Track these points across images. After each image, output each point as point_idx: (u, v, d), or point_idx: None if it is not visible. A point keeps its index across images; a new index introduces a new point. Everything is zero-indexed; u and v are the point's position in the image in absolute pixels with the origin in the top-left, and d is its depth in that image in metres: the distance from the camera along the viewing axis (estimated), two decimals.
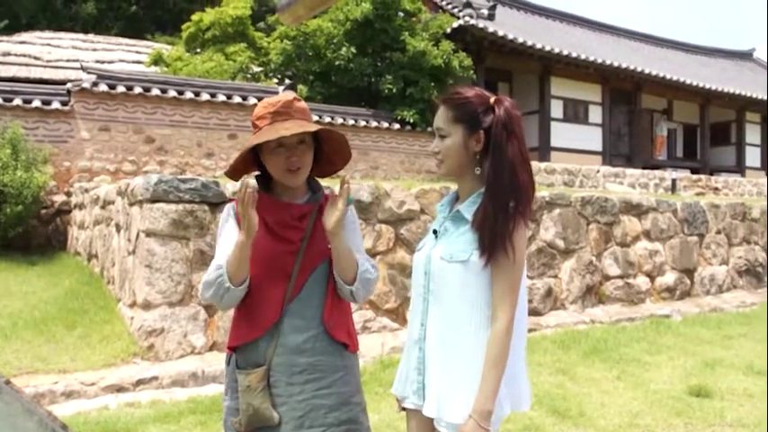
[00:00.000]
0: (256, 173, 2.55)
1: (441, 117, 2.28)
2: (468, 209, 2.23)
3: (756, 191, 22.67)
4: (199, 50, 18.10)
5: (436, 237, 2.31)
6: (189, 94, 13.16)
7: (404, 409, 2.41)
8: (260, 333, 2.35)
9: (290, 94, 2.47)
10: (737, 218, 11.46)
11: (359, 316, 7.25)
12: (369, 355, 6.85)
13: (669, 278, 10.00)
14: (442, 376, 2.19)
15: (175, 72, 16.49)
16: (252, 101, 13.62)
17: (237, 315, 2.43)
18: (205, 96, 13.29)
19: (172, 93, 13.01)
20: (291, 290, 2.36)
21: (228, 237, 2.39)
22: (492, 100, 2.24)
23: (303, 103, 2.46)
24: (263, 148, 2.38)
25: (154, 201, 6.28)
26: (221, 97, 13.43)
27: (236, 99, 13.56)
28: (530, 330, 7.95)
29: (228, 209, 2.48)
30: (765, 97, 24.76)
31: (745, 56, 33.78)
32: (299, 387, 2.34)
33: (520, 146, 2.19)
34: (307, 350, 2.36)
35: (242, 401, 2.33)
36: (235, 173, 2.49)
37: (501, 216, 2.13)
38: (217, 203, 6.54)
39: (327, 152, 2.54)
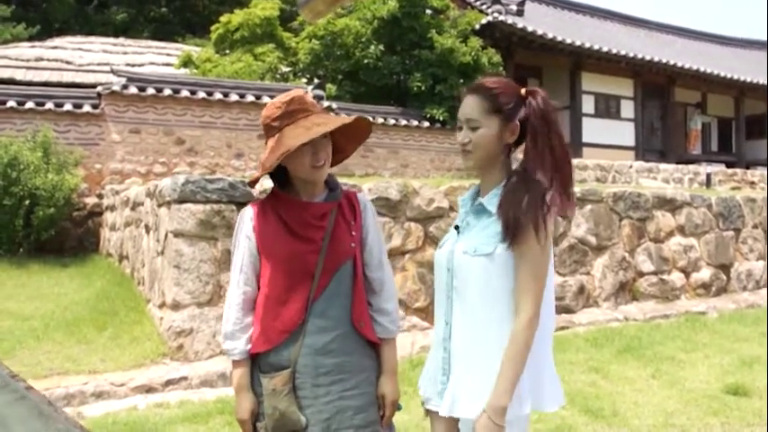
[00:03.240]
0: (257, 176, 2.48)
1: (472, 107, 2.20)
2: (491, 201, 2.19)
3: None
4: (228, 52, 18.17)
5: (458, 232, 2.26)
6: (218, 95, 13.21)
7: (428, 411, 2.35)
8: (286, 336, 2.30)
9: (300, 90, 2.44)
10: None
11: None
12: (398, 355, 6.78)
13: (704, 274, 9.81)
14: (467, 376, 2.14)
15: (204, 73, 16.58)
16: None
17: (262, 317, 2.35)
18: (234, 97, 13.33)
19: (201, 94, 13.08)
20: (315, 289, 2.31)
21: (242, 252, 2.38)
22: (523, 91, 2.23)
23: (310, 95, 2.45)
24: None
25: (181, 201, 6.28)
26: (250, 98, 13.47)
27: (265, 99, 13.57)
28: (562, 328, 7.86)
29: (242, 216, 2.43)
30: None
31: None
32: (325, 389, 2.30)
33: (559, 136, 2.20)
34: (333, 350, 2.32)
35: (267, 405, 2.29)
36: (256, 182, 2.50)
37: (533, 202, 2.07)
38: (244, 203, 6.51)
39: (340, 141, 2.48)
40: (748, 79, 22.69)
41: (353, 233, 2.42)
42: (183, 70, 18.07)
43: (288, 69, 17.56)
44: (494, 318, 2.12)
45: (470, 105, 2.21)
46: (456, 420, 2.18)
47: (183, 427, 4.74)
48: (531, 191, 2.09)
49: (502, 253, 2.09)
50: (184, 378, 5.77)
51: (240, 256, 2.37)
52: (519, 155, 2.27)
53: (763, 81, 23.06)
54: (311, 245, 2.33)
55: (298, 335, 2.30)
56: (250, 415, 2.32)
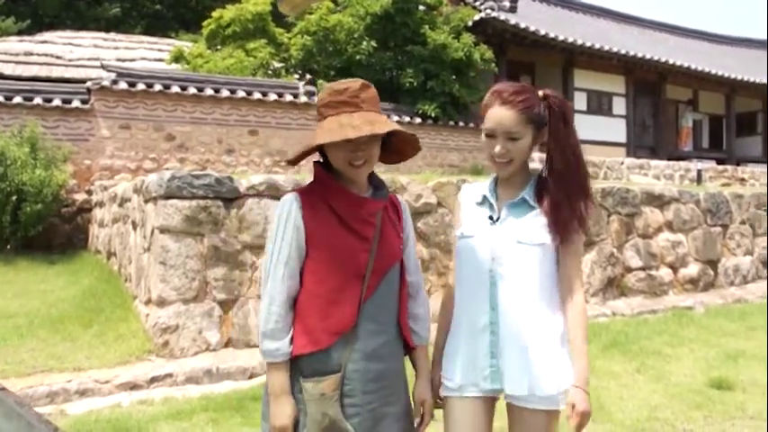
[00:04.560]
0: (315, 159, 2.38)
1: (511, 120, 2.30)
2: (531, 196, 2.37)
3: None
4: (219, 47, 18.11)
5: (493, 223, 2.38)
6: (209, 91, 13.18)
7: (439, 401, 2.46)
8: (336, 338, 2.17)
9: (359, 81, 2.26)
10: (762, 208, 11.26)
11: None
12: None
13: (692, 269, 9.85)
14: (524, 356, 2.27)
15: (196, 69, 16.52)
16: (272, 97, 13.62)
17: (307, 317, 2.20)
18: (225, 93, 13.30)
19: (192, 90, 13.04)
20: (365, 291, 2.21)
21: (290, 242, 2.19)
22: (541, 94, 2.36)
23: (373, 91, 2.28)
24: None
25: (167, 197, 6.27)
26: (241, 93, 13.44)
27: (257, 95, 13.56)
28: None
29: (290, 204, 2.23)
30: None
31: None
32: (373, 396, 2.22)
33: (576, 135, 2.39)
34: (381, 356, 2.25)
35: (314, 411, 2.13)
36: (296, 161, 2.32)
37: (575, 199, 2.32)
38: (231, 199, 6.53)
39: (396, 142, 2.38)
40: (739, 77, 22.73)
41: (400, 235, 2.37)
42: (174, 66, 18.00)
43: (280, 65, 17.51)
44: (545, 301, 2.32)
45: (509, 118, 2.30)
46: (489, 403, 2.38)
47: (166, 424, 4.74)
48: (573, 189, 2.34)
49: (550, 243, 2.31)
50: (169, 375, 5.77)
51: (287, 246, 2.18)
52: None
53: (753, 79, 23.11)
54: (364, 243, 2.22)
55: (348, 337, 2.18)
56: (292, 421, 2.15)
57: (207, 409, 5.02)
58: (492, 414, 2.41)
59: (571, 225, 2.32)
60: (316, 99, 13.76)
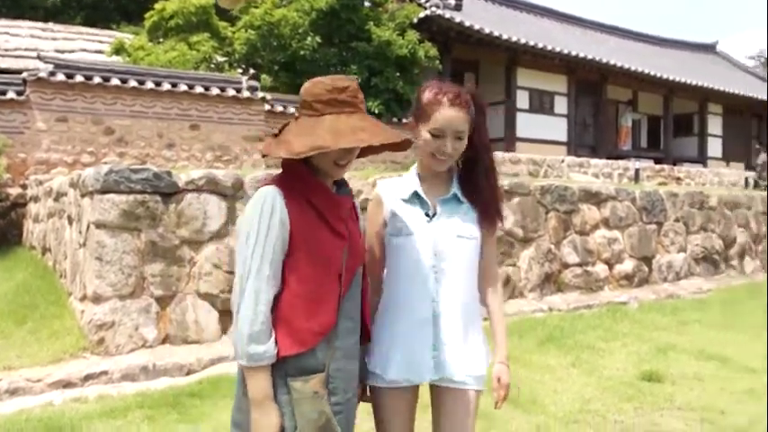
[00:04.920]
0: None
1: (461, 120, 2.40)
2: (459, 191, 2.50)
3: (717, 180, 22.95)
4: (162, 40, 17.86)
5: (430, 219, 2.45)
6: (150, 84, 12.99)
7: (367, 392, 2.53)
8: (321, 337, 2.14)
9: (354, 80, 2.22)
10: (695, 206, 11.59)
11: None
12: None
13: (627, 266, 10.08)
14: (462, 343, 2.43)
15: (137, 62, 16.27)
16: (215, 91, 13.49)
17: (292, 317, 2.12)
18: (167, 86, 13.13)
19: (132, 83, 12.84)
20: (342, 289, 2.20)
21: (274, 240, 2.09)
22: (470, 94, 2.48)
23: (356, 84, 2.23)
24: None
25: (104, 191, 6.17)
26: (183, 87, 13.27)
27: (199, 89, 13.41)
28: (485, 319, 7.96)
29: (274, 198, 2.12)
30: (727, 89, 25.07)
31: (709, 48, 34.21)
32: (351, 393, 2.24)
33: (487, 130, 2.56)
34: (355, 354, 2.27)
35: (309, 411, 2.08)
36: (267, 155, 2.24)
37: (496, 191, 2.53)
38: (170, 194, 6.45)
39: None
40: (677, 79, 23.27)
41: (361, 233, 2.38)
42: (114, 58, 17.70)
43: (223, 59, 17.35)
44: (474, 290, 2.51)
45: (459, 119, 2.39)
46: (416, 389, 2.50)
47: (100, 422, 4.66)
48: (494, 183, 2.53)
49: (480, 236, 2.49)
50: (105, 372, 5.69)
51: (271, 244, 2.08)
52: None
53: (691, 81, 23.68)
54: (340, 241, 2.19)
55: (330, 336, 2.15)
56: (279, 429, 2.08)
57: (142, 407, 4.96)
58: (417, 398, 2.54)
59: (497, 218, 2.54)
60: (259, 94, 13.86)
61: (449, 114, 2.38)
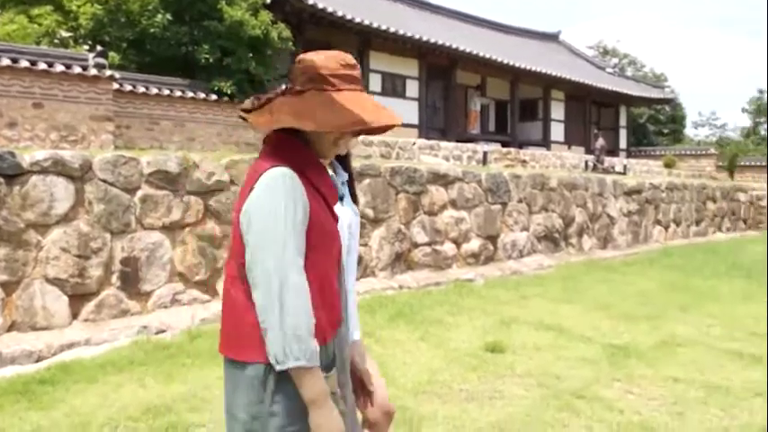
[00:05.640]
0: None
1: None
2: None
3: (560, 163, 24.20)
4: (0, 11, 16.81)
5: (342, 203, 2.32)
6: None
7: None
8: (336, 327, 2.03)
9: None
10: (537, 188, 12.21)
11: (168, 289, 7.10)
12: (178, 328, 6.75)
13: (474, 244, 10.50)
14: (351, 308, 2.35)
15: None
16: (59, 68, 12.82)
17: (314, 309, 1.93)
18: (6, 61, 12.33)
19: None
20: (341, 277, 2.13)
21: (300, 228, 1.90)
22: None
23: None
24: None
25: None
26: (24, 63, 12.52)
27: (42, 65, 12.69)
28: None
29: (293, 180, 1.92)
30: (569, 77, 26.42)
31: (552, 37, 35.93)
32: (348, 387, 2.15)
33: None
34: (346, 344, 2.16)
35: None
36: (262, 119, 2.02)
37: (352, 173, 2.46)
38: (13, 175, 6.13)
39: None
40: (523, 65, 24.28)
41: None
42: None
43: (68, 35, 16.50)
44: None
45: None
46: None
47: None
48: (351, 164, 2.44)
49: None
50: None
51: (299, 233, 1.89)
52: None
53: (536, 68, 24.78)
54: (337, 227, 2.09)
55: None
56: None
57: None
58: None
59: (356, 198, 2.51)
60: (106, 72, 13.33)
61: None
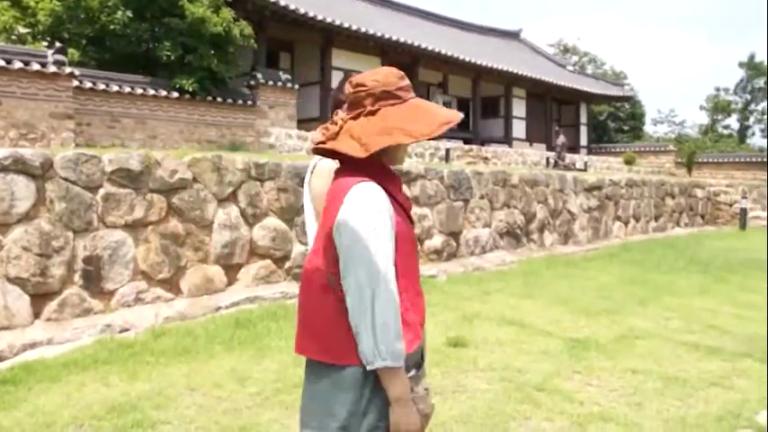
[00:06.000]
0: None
1: None
2: None
3: (521, 160, 24.43)
4: None
5: None
6: None
7: None
8: (422, 327, 2.18)
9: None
10: (499, 184, 12.34)
11: (131, 288, 7.07)
12: (141, 326, 6.73)
13: (437, 241, 10.59)
14: None
15: None
16: (17, 64, 12.62)
17: (404, 311, 2.08)
18: None
19: None
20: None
21: (390, 236, 2.05)
22: None
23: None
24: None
25: None
26: None
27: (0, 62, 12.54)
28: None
29: (383, 195, 2.08)
30: (530, 74, 26.66)
31: (514, 35, 36.20)
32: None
33: None
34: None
35: (424, 408, 2.10)
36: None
37: None
38: None
39: None
40: (485, 63, 24.43)
41: None
42: None
43: (26, 31, 16.22)
44: None
45: None
46: None
47: None
48: None
49: None
50: None
51: (391, 242, 2.05)
52: None
53: (498, 66, 24.96)
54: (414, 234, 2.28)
55: None
56: None
57: None
58: None
59: None
60: (66, 69, 13.16)
61: None
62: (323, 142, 2.19)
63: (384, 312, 1.96)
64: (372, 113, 2.14)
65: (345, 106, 2.28)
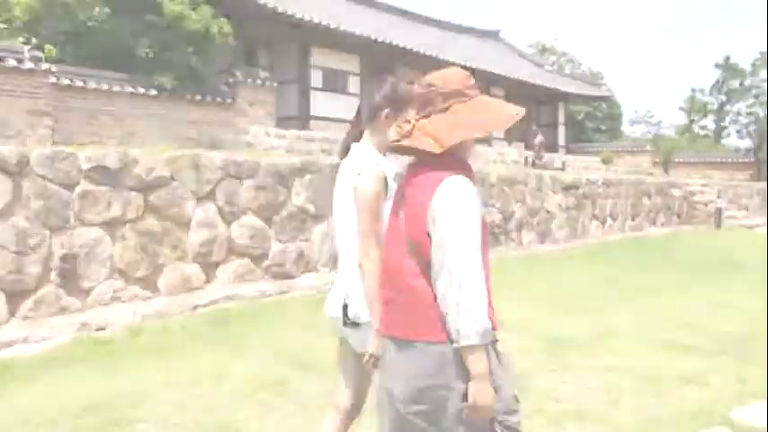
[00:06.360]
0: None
1: None
2: None
3: (501, 159, 24.51)
4: None
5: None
6: None
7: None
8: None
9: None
10: (477, 183, 12.30)
11: (108, 285, 7.04)
12: (118, 324, 6.71)
13: None
14: None
15: None
16: None
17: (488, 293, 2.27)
18: None
19: None
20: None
21: (479, 227, 2.22)
22: None
23: None
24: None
25: None
26: None
27: None
28: (282, 293, 8.19)
29: (473, 189, 2.25)
30: (509, 75, 26.78)
31: (492, 35, 36.32)
32: None
33: None
34: None
35: (510, 385, 2.34)
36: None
37: None
38: None
39: None
40: (464, 63, 24.35)
41: None
42: None
43: (2, 26, 16.08)
44: None
45: None
46: None
47: None
48: None
49: None
50: None
51: (480, 231, 2.22)
52: None
53: (476, 65, 25.01)
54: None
55: None
56: None
57: None
58: None
59: None
60: (43, 65, 13.04)
61: None
62: (397, 140, 2.35)
63: (474, 296, 2.13)
64: (443, 111, 2.30)
65: (413, 106, 2.44)
